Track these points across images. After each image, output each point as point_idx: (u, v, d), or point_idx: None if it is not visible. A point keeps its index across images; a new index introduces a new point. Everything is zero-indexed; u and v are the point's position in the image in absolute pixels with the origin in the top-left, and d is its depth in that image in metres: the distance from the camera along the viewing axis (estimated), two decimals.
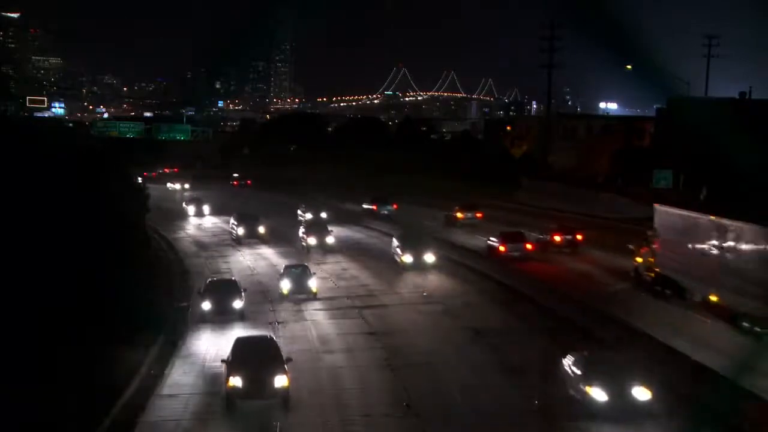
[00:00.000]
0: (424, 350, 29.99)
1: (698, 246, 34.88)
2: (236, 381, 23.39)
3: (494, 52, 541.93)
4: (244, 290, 36.56)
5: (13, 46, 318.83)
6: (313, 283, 39.11)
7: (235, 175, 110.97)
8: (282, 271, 40.49)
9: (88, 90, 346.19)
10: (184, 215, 74.59)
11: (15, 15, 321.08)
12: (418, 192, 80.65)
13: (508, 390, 25.22)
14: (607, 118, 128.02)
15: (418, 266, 44.73)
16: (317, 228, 54.56)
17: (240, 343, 25.98)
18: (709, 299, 32.86)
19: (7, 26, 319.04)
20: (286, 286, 38.86)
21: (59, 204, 30.37)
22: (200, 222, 71.60)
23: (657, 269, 37.52)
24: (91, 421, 21.79)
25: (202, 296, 35.40)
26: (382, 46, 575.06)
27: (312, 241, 52.39)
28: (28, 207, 28.82)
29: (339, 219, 64.82)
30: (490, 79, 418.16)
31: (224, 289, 36.12)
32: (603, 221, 61.52)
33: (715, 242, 33.51)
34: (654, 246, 38.54)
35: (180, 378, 27.42)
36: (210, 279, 38.55)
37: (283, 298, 38.65)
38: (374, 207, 70.05)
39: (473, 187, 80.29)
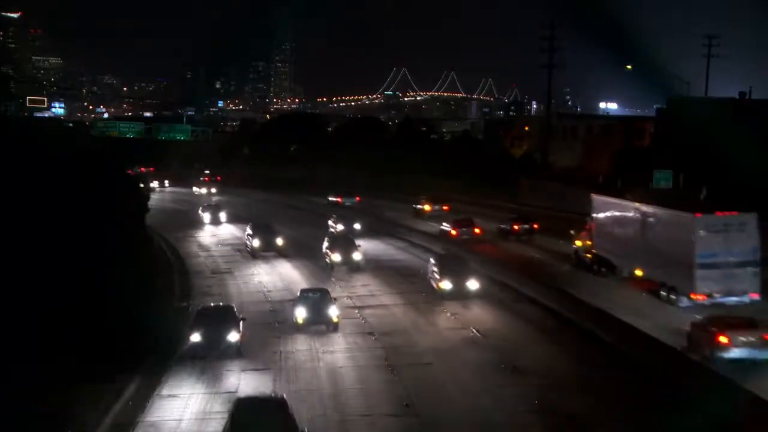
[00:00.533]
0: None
1: (625, 229, 41.71)
2: None
3: (494, 52, 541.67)
4: (243, 319, 31.03)
5: (13, 46, 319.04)
6: (333, 312, 32.70)
7: (207, 171, 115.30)
8: (297, 296, 34.45)
9: (88, 90, 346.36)
10: (199, 223, 69.43)
11: (15, 15, 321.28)
12: (417, 191, 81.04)
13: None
14: (607, 118, 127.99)
15: (460, 294, 37.76)
16: (343, 242, 48.01)
17: (243, 407, 20.98)
18: (635, 274, 39.69)
19: (7, 26, 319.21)
20: (301, 314, 32.65)
21: (59, 204, 30.38)
22: (216, 231, 66.05)
23: (594, 251, 43.77)
24: None
25: (191, 327, 30.00)
26: (382, 46, 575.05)
27: (336, 257, 46.06)
28: (27, 207, 28.83)
29: (372, 230, 59.19)
30: (490, 79, 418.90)
31: (217, 318, 30.34)
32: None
33: (638, 225, 40.30)
34: (591, 230, 44.99)
35: None
36: (200, 307, 33.28)
37: (297, 328, 32.71)
38: (339, 199, 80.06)
39: (473, 187, 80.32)
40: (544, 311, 35.47)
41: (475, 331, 32.65)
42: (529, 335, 32.43)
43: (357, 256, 45.91)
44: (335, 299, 33.92)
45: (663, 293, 36.30)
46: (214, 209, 71.60)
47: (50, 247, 27.99)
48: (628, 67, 76.41)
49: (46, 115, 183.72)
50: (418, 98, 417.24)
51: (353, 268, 45.39)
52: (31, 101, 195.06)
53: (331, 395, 25.26)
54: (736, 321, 27.64)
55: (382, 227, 62.36)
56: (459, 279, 37.81)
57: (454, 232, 55.48)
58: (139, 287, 33.54)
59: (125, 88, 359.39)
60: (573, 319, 33.25)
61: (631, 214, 41.37)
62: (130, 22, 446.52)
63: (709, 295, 33.82)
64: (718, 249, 34.47)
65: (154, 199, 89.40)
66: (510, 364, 27.76)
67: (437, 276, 38.91)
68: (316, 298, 33.51)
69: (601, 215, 44.99)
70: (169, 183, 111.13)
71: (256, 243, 51.42)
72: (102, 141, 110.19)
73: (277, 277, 45.78)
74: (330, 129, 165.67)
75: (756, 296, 33.82)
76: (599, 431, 22.39)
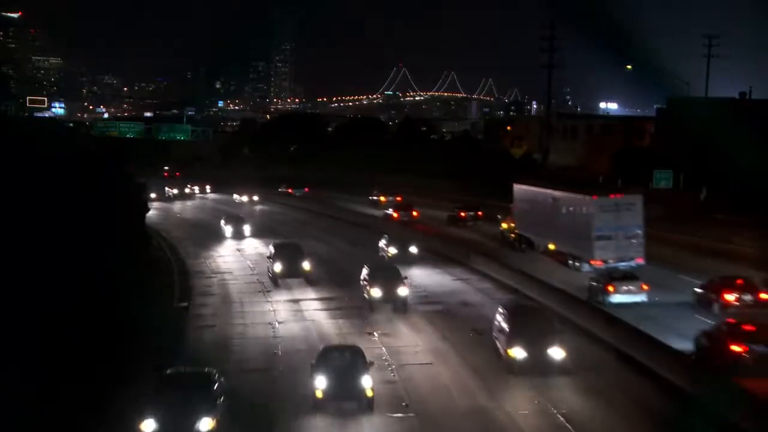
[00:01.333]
0: None
1: (540, 211, 49.68)
2: None
3: (494, 52, 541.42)
4: (218, 408, 21.31)
5: (13, 46, 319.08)
6: (367, 383, 23.34)
7: (166, 168, 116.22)
8: (317, 356, 24.93)
9: (88, 90, 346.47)
10: (220, 237, 61.48)
11: (15, 15, 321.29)
12: (417, 191, 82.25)
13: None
14: (607, 118, 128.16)
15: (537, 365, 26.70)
16: (386, 274, 37.48)
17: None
18: (549, 248, 48.10)
19: (7, 26, 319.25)
20: (321, 384, 23.35)
21: (58, 204, 30.36)
22: (239, 246, 57.63)
23: (516, 231, 52.52)
24: None
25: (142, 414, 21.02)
26: (382, 46, 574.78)
27: (377, 293, 36.23)
28: (27, 207, 28.81)
29: (426, 257, 49.22)
30: (490, 79, 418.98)
31: (180, 401, 21.13)
32: None
33: (549, 208, 48.16)
34: (513, 214, 53.80)
35: None
36: (155, 386, 22.31)
37: (315, 405, 23.47)
38: (290, 190, 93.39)
39: (473, 186, 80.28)
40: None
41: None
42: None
43: (403, 291, 35.97)
44: (371, 363, 24.81)
45: (570, 262, 44.90)
46: (237, 221, 63.19)
47: (49, 247, 27.96)
48: (628, 67, 76.41)
49: (46, 115, 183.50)
50: (418, 98, 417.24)
51: (398, 308, 35.74)
52: (31, 101, 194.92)
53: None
54: (622, 274, 36.71)
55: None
56: (537, 348, 26.58)
57: (395, 215, 67.97)
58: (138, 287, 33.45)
59: (125, 88, 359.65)
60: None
61: (543, 199, 49.35)
62: (131, 22, 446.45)
63: (605, 261, 41.84)
64: (611, 224, 42.46)
65: (191, 207, 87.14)
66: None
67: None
68: (345, 362, 24.42)
69: (521, 201, 53.20)
70: (210, 189, 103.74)
71: (277, 267, 42.96)
72: (102, 141, 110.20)
73: (293, 314, 36.64)
74: (330, 129, 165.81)
75: (641, 261, 42.25)
76: None
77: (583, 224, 43.40)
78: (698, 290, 35.36)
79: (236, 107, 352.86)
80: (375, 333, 32.23)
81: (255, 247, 56.67)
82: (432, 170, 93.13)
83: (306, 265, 42.77)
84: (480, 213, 66.16)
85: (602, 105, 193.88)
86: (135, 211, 47.98)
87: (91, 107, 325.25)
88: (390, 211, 69.50)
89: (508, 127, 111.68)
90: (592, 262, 42.16)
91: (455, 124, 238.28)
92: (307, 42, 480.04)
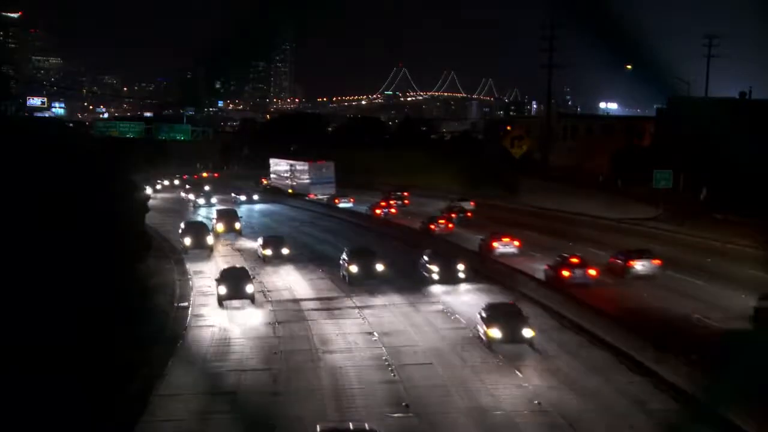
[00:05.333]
0: None
1: (283, 175, 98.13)
2: None
3: (494, 52, 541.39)
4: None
5: (13, 46, 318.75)
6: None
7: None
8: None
9: (88, 90, 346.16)
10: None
11: (15, 15, 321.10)
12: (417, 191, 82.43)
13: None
14: (607, 118, 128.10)
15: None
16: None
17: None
18: (289, 192, 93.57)
19: (7, 26, 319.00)
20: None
21: (58, 204, 30.35)
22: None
23: (270, 185, 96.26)
24: None
25: None
26: (382, 46, 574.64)
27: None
28: (26, 207, 28.81)
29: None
30: (490, 79, 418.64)
31: None
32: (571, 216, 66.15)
33: (289, 171, 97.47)
34: (269, 176, 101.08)
35: None
36: None
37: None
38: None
39: (473, 186, 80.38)
40: None
41: None
42: None
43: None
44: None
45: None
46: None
47: (48, 247, 27.96)
48: (628, 67, 76.26)
49: (47, 115, 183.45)
50: (418, 98, 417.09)
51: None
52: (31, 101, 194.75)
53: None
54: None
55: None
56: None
57: (336, 201, 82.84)
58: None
59: (125, 88, 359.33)
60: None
61: (286, 167, 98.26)
62: (131, 22, 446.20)
63: (316, 196, 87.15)
64: (318, 176, 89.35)
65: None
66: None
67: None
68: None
69: (274, 165, 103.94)
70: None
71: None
72: (102, 141, 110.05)
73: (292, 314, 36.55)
74: (330, 129, 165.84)
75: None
76: None
77: (304, 177, 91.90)
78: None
79: (236, 107, 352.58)
80: (375, 333, 32.14)
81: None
82: (432, 170, 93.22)
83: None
84: (407, 201, 79.53)
85: (602, 105, 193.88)
86: (135, 212, 47.99)
87: (91, 107, 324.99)
88: (331, 198, 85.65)
89: (508, 127, 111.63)
90: (310, 196, 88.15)
91: (455, 124, 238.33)
92: (307, 42, 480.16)
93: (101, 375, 24.89)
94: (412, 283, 41.51)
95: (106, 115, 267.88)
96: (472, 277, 41.67)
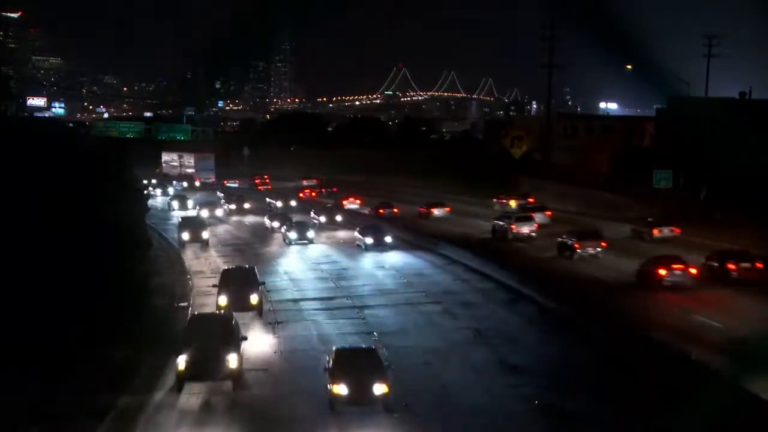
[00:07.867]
0: None
1: (173, 165, 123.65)
2: None
3: (494, 52, 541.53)
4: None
5: (13, 46, 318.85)
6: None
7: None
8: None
9: (88, 90, 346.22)
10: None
11: (15, 15, 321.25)
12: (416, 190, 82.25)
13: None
14: (607, 118, 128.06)
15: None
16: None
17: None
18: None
19: (7, 26, 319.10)
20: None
21: (58, 204, 30.37)
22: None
23: (165, 174, 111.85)
24: None
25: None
26: (382, 46, 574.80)
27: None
28: (26, 207, 28.83)
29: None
30: (490, 79, 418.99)
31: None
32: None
33: (178, 161, 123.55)
34: (161, 167, 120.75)
35: None
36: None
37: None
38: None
39: (473, 186, 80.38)
40: None
41: None
42: None
43: None
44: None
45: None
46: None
47: (48, 247, 27.98)
48: (628, 67, 76.31)
49: (47, 115, 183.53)
50: (418, 98, 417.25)
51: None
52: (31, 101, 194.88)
53: None
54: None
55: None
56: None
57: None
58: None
59: (125, 88, 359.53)
60: None
61: (175, 157, 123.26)
62: (131, 22, 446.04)
63: (200, 180, 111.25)
64: (202, 165, 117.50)
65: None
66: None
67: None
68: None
69: (166, 155, 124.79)
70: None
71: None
72: (102, 141, 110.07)
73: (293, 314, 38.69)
74: (330, 129, 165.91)
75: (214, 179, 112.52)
76: None
77: (191, 164, 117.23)
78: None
79: (236, 107, 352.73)
80: (375, 333, 31.91)
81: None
82: (432, 170, 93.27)
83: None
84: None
85: (602, 105, 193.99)
86: (135, 212, 48.05)
87: (91, 107, 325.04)
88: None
89: (508, 127, 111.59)
90: (197, 180, 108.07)
91: (455, 124, 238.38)
92: (307, 42, 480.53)
93: (101, 375, 24.91)
94: None
95: (106, 115, 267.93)
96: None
